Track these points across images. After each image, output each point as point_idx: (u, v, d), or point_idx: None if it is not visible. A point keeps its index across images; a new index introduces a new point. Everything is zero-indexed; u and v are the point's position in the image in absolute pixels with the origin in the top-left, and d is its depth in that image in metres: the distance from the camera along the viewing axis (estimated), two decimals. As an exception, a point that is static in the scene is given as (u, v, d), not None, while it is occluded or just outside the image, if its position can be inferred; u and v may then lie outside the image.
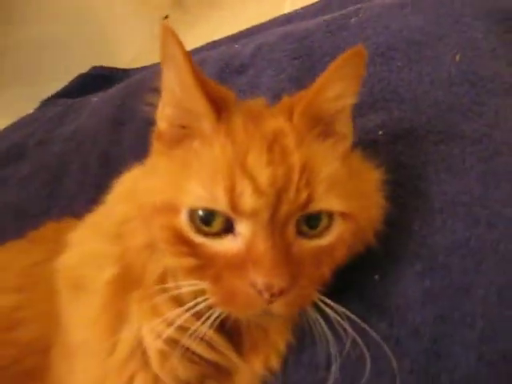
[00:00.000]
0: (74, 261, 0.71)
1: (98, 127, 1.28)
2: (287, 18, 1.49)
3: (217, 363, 0.64)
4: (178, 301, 0.62)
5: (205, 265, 0.57)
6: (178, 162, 0.60)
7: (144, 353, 0.63)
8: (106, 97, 1.41)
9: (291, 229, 0.57)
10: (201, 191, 0.56)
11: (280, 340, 0.66)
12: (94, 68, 1.81)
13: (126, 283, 0.65)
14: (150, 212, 0.60)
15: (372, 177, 0.65)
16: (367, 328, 0.59)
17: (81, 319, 0.67)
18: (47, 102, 1.74)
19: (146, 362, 0.62)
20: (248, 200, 0.54)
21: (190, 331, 0.61)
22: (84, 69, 1.86)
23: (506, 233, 0.64)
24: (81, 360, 0.66)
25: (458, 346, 0.58)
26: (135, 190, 0.64)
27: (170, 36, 0.56)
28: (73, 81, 1.80)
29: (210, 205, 0.55)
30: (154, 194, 0.60)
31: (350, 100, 0.63)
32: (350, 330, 0.59)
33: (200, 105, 0.58)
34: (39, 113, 1.64)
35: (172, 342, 0.62)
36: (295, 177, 0.56)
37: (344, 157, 0.61)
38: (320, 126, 0.61)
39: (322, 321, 0.59)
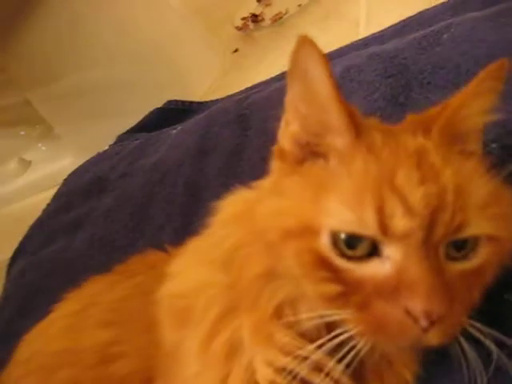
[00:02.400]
0: (179, 290, 0.68)
1: (181, 157, 1.27)
2: (364, 42, 1.47)
3: None
4: (301, 333, 0.58)
5: (349, 291, 0.52)
6: (310, 181, 0.56)
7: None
8: (188, 127, 1.40)
9: (442, 252, 0.52)
10: (346, 213, 0.51)
11: (407, 372, 0.60)
12: (169, 102, 1.82)
13: (235, 311, 0.62)
14: (278, 237, 0.55)
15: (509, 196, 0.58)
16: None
17: (189, 351, 0.64)
18: (124, 137, 1.76)
19: None
20: (400, 222, 0.50)
21: (310, 362, 0.56)
22: (157, 106, 1.88)
23: None
24: None
25: None
26: (247, 213, 0.61)
27: (306, 47, 0.53)
28: (148, 115, 1.81)
29: (356, 228, 0.51)
30: (283, 217, 0.55)
31: (488, 116, 0.59)
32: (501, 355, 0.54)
33: (339, 119, 0.55)
34: (117, 147, 1.65)
35: (286, 374, 0.57)
36: (450, 197, 0.52)
37: (487, 176, 0.56)
38: (459, 143, 0.58)
39: (467, 346, 0.54)
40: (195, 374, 0.63)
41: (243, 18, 2.22)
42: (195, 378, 0.63)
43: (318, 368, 0.57)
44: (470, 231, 0.53)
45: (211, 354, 0.61)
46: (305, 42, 0.53)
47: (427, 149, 0.55)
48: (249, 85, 1.67)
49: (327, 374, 0.57)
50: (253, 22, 2.17)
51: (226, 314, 0.62)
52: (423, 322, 0.49)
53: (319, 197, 0.53)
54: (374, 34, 1.49)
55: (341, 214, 0.51)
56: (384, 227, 0.50)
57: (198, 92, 2.05)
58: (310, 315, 0.56)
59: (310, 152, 0.58)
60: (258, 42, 2.11)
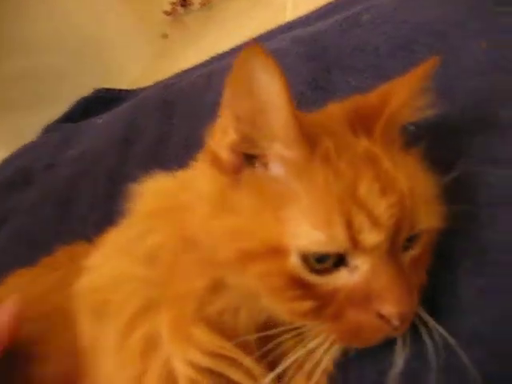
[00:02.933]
0: (97, 283, 0.66)
1: (106, 147, 1.23)
2: (290, 25, 1.46)
3: None
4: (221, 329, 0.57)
5: (322, 304, 0.53)
6: (264, 197, 0.54)
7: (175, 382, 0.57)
8: (113, 117, 1.37)
9: (400, 250, 0.55)
10: (316, 234, 0.51)
11: (326, 358, 0.60)
12: (97, 90, 1.77)
13: (156, 307, 0.60)
14: (235, 257, 0.54)
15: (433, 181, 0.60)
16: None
17: (106, 346, 0.62)
18: (50, 128, 1.70)
19: None
20: (369, 236, 0.51)
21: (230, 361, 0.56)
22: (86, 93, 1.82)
23: None
24: None
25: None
26: (172, 211, 0.61)
27: (257, 55, 0.50)
28: (75, 105, 1.75)
29: (328, 247, 0.51)
30: (241, 238, 0.54)
31: (427, 112, 0.63)
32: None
33: (292, 133, 0.53)
34: (43, 138, 1.59)
35: (206, 371, 0.57)
36: (408, 203, 0.53)
37: (423, 168, 0.60)
38: (396, 140, 0.60)
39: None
40: (112, 371, 0.61)
41: (172, 3, 2.18)
42: (112, 375, 0.61)
43: (237, 365, 0.57)
44: (419, 227, 0.56)
45: (128, 350, 0.59)
46: (254, 49, 0.50)
47: (377, 154, 0.55)
48: (178, 70, 1.64)
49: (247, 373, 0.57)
50: (182, 6, 2.13)
51: (145, 308, 0.60)
52: (396, 322, 0.51)
53: (280, 215, 0.52)
54: (300, 17, 1.48)
55: (310, 235, 0.51)
56: (354, 242, 0.51)
57: (127, 79, 2.00)
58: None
59: (247, 158, 0.56)
60: (187, 27, 2.08)
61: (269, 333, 0.56)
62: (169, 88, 1.29)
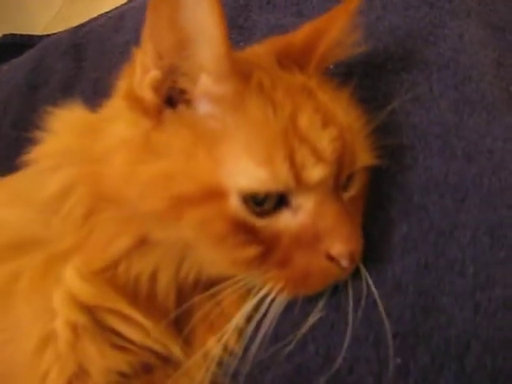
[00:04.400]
0: None
1: (9, 94, 1.12)
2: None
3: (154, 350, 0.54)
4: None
5: (268, 249, 0.49)
6: (195, 136, 0.49)
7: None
8: (18, 62, 1.26)
9: (341, 189, 0.53)
10: (258, 171, 0.47)
11: (236, 313, 0.55)
12: (4, 36, 1.63)
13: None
14: (166, 205, 0.48)
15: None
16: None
17: None
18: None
19: (60, 355, 0.51)
20: (313, 172, 0.48)
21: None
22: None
23: (487, 165, 0.56)
24: None
25: (449, 297, 0.49)
26: (84, 149, 0.53)
27: None
28: (-19, 52, 1.62)
29: (270, 185, 0.47)
30: (173, 182, 0.48)
31: (357, 49, 0.62)
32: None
33: (223, 63, 0.48)
34: None
35: (89, 328, 0.52)
36: (348, 138, 0.51)
37: (353, 104, 0.57)
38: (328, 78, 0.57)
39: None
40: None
41: None
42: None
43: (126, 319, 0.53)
44: (359, 164, 0.54)
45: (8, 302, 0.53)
46: None
47: (313, 89, 0.53)
48: (95, 15, 1.53)
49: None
50: None
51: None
52: (345, 263, 0.49)
53: (216, 154, 0.48)
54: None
55: (252, 172, 0.47)
56: (297, 179, 0.48)
57: (41, 23, 1.86)
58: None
59: (170, 97, 0.51)
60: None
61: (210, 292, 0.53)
62: (79, 31, 1.19)
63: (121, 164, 0.50)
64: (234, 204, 0.48)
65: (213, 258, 0.51)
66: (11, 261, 0.54)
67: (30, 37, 1.64)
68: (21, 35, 1.64)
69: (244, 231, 0.48)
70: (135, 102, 0.51)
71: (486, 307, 0.48)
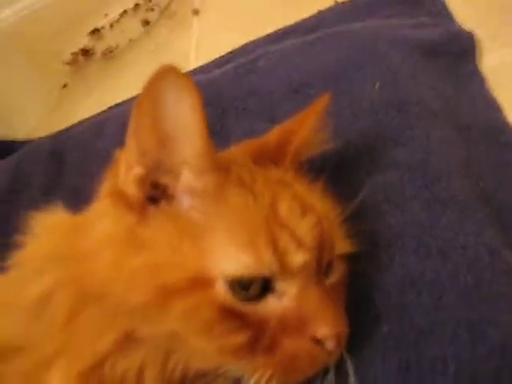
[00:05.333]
0: None
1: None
2: (191, 73, 1.44)
3: None
4: None
5: (255, 337, 0.49)
6: (180, 228, 0.50)
7: None
8: (0, 166, 1.27)
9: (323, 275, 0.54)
10: (242, 256, 0.48)
11: None
12: (-13, 142, 1.66)
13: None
14: (151, 297, 0.48)
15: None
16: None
17: None
18: None
19: None
20: (295, 257, 0.50)
21: None
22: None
23: (461, 261, 0.57)
24: None
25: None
26: (68, 257, 0.53)
27: (171, 75, 0.46)
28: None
29: (255, 270, 0.48)
30: (158, 273, 0.49)
31: (327, 146, 0.65)
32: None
33: (205, 158, 0.50)
34: None
35: None
36: (326, 225, 0.53)
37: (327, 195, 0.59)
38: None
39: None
40: None
41: (73, 53, 2.11)
42: None
43: None
44: (337, 251, 0.56)
45: None
46: (168, 68, 0.46)
47: (289, 181, 0.56)
48: (76, 121, 1.57)
49: None
50: (83, 55, 2.07)
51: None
52: (331, 345, 0.49)
53: (201, 244, 0.49)
54: (202, 65, 1.46)
55: (237, 257, 0.48)
56: (281, 264, 0.49)
57: (23, 130, 1.90)
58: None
59: (157, 192, 0.53)
60: (88, 77, 2.01)
61: None
62: (59, 137, 1.22)
63: (106, 259, 0.51)
64: (221, 291, 0.48)
65: (200, 348, 0.50)
66: None
67: (13, 142, 1.67)
68: (4, 141, 1.67)
69: (232, 318, 0.48)
70: (119, 197, 0.53)
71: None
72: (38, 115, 1.93)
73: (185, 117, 0.48)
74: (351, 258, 0.59)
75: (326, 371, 0.53)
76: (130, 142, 0.51)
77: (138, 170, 0.51)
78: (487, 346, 0.51)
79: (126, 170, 0.52)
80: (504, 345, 0.51)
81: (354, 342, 0.53)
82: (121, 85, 1.83)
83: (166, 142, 0.50)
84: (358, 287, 0.59)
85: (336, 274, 0.56)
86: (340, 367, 0.53)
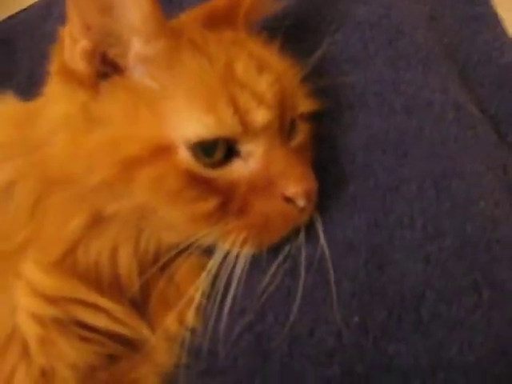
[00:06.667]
0: None
1: None
2: None
3: (120, 336, 0.53)
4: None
5: (225, 201, 0.49)
6: (134, 99, 0.49)
7: (23, 340, 0.50)
8: None
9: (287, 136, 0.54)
10: (203, 118, 0.48)
11: (192, 290, 0.55)
12: None
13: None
14: (115, 171, 0.48)
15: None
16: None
17: None
18: None
19: (26, 352, 0.50)
20: (257, 115, 0.49)
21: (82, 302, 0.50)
22: None
23: (427, 118, 0.56)
24: None
25: (401, 252, 0.50)
26: (23, 138, 0.53)
27: None
28: None
29: (217, 131, 0.47)
30: (119, 146, 0.48)
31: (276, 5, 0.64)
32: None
33: (153, 22, 0.49)
34: None
35: (55, 321, 0.50)
36: (285, 83, 0.52)
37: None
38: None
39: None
40: None
41: None
42: None
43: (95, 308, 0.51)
44: (299, 110, 0.55)
45: None
46: None
47: (245, 40, 0.55)
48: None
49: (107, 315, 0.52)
50: None
51: None
52: (302, 202, 0.49)
53: (158, 111, 0.48)
54: None
55: (196, 120, 0.48)
56: (243, 124, 0.48)
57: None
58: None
59: (107, 66, 0.50)
60: None
61: (160, 263, 0.52)
62: (8, 23, 1.15)
63: (64, 141, 0.50)
64: (184, 156, 0.48)
65: (171, 220, 0.50)
66: None
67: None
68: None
69: (198, 184, 0.48)
70: (69, 75, 0.51)
71: (437, 257, 0.48)
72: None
73: None
74: (315, 120, 0.58)
75: (296, 234, 0.53)
76: (72, 14, 0.48)
77: (84, 44, 0.49)
78: (452, 199, 0.51)
79: (72, 45, 0.50)
80: (468, 197, 0.52)
81: (321, 203, 0.53)
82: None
83: (111, 9, 0.48)
84: (323, 149, 0.58)
85: (300, 135, 0.55)
86: (310, 229, 0.53)
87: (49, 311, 0.50)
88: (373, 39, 0.62)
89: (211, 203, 0.49)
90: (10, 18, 1.20)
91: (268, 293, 0.51)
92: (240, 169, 0.50)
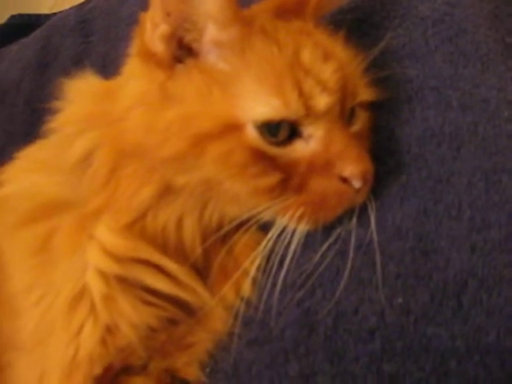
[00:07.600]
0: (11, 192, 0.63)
1: (21, 73, 1.16)
2: None
3: (181, 302, 0.58)
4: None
5: (286, 177, 0.53)
6: (208, 80, 0.54)
7: (92, 297, 0.55)
8: (27, 42, 1.28)
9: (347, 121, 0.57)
10: (270, 100, 0.51)
11: (249, 264, 0.58)
12: (13, 17, 1.65)
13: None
14: (187, 146, 0.52)
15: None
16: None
17: (21, 263, 0.59)
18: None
19: (93, 308, 0.55)
20: (320, 100, 0.52)
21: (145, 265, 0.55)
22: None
23: (482, 114, 0.58)
24: (25, 311, 0.58)
25: (447, 240, 0.52)
26: (105, 118, 0.57)
27: None
28: (-10, 33, 1.63)
29: (282, 113, 0.51)
30: (193, 123, 0.52)
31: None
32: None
33: (227, 11, 0.53)
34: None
35: (121, 282, 0.55)
36: (348, 71, 0.56)
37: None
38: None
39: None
40: (25, 288, 0.58)
41: None
42: (26, 292, 0.58)
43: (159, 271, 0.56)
44: (359, 98, 0.58)
45: (44, 258, 0.58)
46: None
47: (311, 30, 0.58)
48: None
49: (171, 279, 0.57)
50: None
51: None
52: (358, 183, 0.53)
53: (230, 91, 0.53)
54: None
55: (264, 101, 0.52)
56: (307, 108, 0.52)
57: (47, 4, 1.88)
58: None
59: (182, 50, 0.55)
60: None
61: (221, 233, 0.56)
62: (84, 7, 1.21)
63: (140, 116, 0.55)
64: (251, 134, 0.52)
65: (235, 192, 0.54)
66: (45, 221, 0.58)
67: (38, 16, 1.65)
68: (28, 15, 1.66)
69: (262, 160, 0.52)
70: (148, 56, 0.55)
71: (482, 248, 0.50)
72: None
73: None
74: (373, 111, 0.60)
75: (349, 217, 0.56)
76: (154, 1, 0.53)
77: (163, 28, 0.54)
78: (501, 193, 0.53)
79: (152, 29, 0.54)
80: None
81: (374, 190, 0.56)
82: None
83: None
84: (379, 139, 0.60)
85: (359, 123, 0.58)
86: (362, 213, 0.56)
87: (115, 269, 0.55)
88: (434, 35, 0.64)
89: (273, 179, 0.52)
90: (88, 1, 1.26)
91: (318, 271, 0.54)
92: (301, 149, 0.53)
